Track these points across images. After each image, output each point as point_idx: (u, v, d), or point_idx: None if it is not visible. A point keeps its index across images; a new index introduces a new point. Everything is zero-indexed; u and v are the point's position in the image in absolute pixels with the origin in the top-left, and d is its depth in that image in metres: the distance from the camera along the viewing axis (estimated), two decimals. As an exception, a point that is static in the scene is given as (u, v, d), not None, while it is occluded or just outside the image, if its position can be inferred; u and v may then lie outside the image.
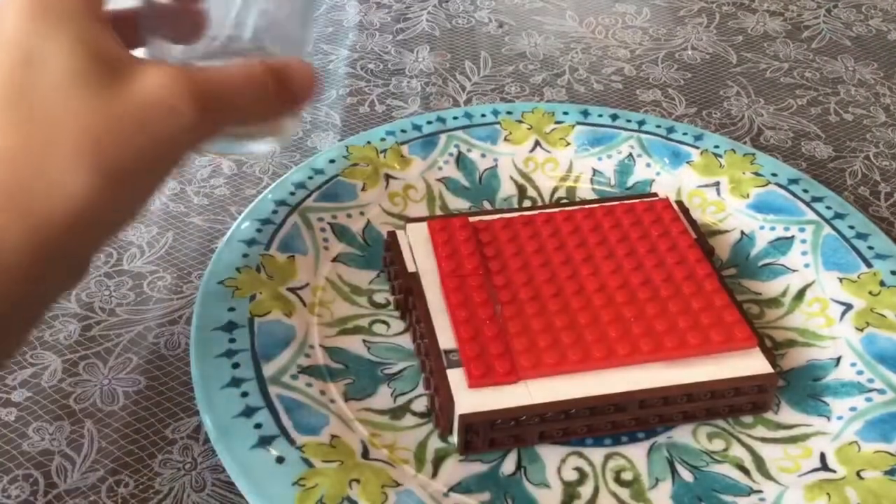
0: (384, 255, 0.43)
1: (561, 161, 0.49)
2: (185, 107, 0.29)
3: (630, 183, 0.48)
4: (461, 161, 0.48)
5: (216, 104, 0.30)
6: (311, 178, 0.45)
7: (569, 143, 0.49)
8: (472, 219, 0.42)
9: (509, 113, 0.51)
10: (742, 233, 0.45)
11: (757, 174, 0.47)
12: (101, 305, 0.42)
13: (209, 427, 0.34)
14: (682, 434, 0.36)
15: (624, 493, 0.34)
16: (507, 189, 0.48)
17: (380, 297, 0.42)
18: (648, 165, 0.48)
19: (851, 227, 0.43)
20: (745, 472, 0.35)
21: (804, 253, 0.43)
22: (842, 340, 0.39)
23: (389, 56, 0.62)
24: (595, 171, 0.49)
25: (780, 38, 0.65)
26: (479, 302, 0.38)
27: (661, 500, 0.34)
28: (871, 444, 0.35)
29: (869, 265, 0.42)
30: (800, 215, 0.44)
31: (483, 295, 0.38)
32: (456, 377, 0.35)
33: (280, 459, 0.33)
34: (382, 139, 0.48)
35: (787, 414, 0.37)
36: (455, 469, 0.35)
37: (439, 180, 0.48)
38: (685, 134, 0.49)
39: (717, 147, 0.48)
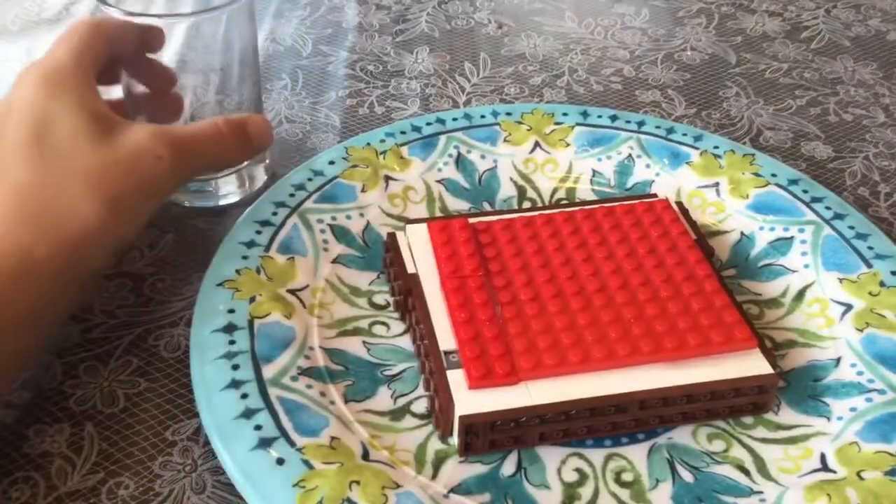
0: (384, 256, 0.43)
1: (561, 162, 0.49)
2: (168, 156, 0.37)
3: (630, 184, 0.48)
4: (461, 162, 0.48)
5: (190, 154, 0.39)
6: (310, 179, 0.45)
7: (568, 144, 0.49)
8: (471, 220, 0.42)
9: (509, 114, 0.51)
10: (742, 233, 0.45)
11: (756, 175, 0.47)
12: (101, 307, 0.42)
13: (209, 429, 0.34)
14: (683, 435, 0.36)
15: (624, 493, 0.34)
16: (506, 190, 0.48)
17: (379, 299, 0.42)
18: (648, 166, 0.48)
19: (851, 228, 0.43)
20: (746, 472, 0.35)
21: (804, 253, 0.43)
22: (842, 341, 0.39)
23: (389, 57, 0.62)
24: (595, 172, 0.49)
25: (779, 39, 0.65)
26: (478, 303, 0.38)
27: (661, 500, 0.34)
28: (872, 444, 0.35)
29: (869, 265, 0.42)
30: (799, 216, 0.44)
31: (483, 296, 0.38)
32: (456, 378, 0.35)
33: (280, 461, 0.33)
34: (382, 140, 0.48)
35: (787, 415, 0.37)
36: (455, 470, 0.35)
37: (439, 181, 0.48)
38: (685, 135, 0.49)
39: (716, 148, 0.48)
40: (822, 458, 0.35)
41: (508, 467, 0.35)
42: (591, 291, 0.38)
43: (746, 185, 0.46)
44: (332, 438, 0.34)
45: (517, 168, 0.49)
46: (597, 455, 0.36)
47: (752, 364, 0.36)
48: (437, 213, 0.46)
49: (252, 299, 0.39)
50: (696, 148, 0.48)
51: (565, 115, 0.51)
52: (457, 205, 0.47)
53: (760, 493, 0.34)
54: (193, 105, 0.46)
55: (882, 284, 0.41)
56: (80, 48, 0.39)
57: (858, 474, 0.34)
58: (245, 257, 0.41)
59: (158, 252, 0.45)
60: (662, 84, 0.60)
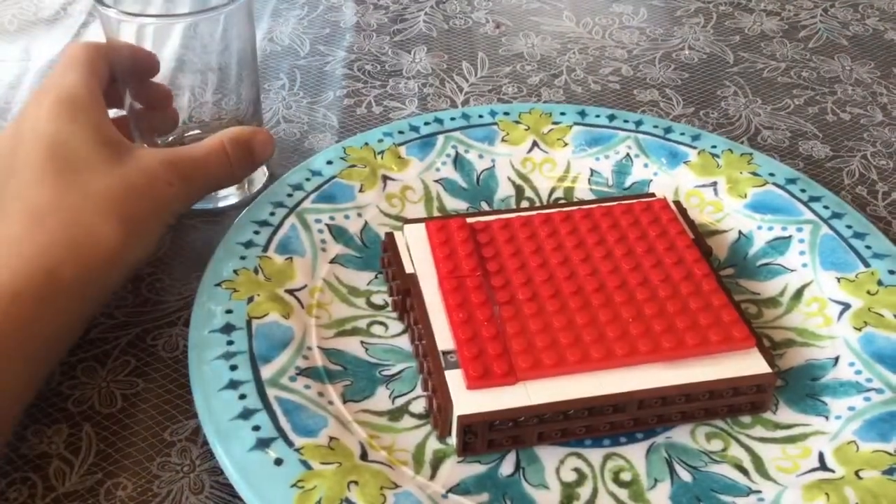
0: (382, 256, 0.43)
1: (558, 161, 0.49)
2: (178, 183, 0.39)
3: (628, 183, 0.48)
4: (459, 162, 0.48)
5: (198, 178, 0.41)
6: (308, 179, 0.45)
7: (566, 144, 0.49)
8: (469, 220, 0.42)
9: (507, 114, 0.51)
10: (740, 232, 0.45)
11: (754, 174, 0.47)
12: (98, 308, 0.42)
13: (207, 429, 0.34)
14: (681, 434, 0.36)
15: (623, 493, 0.34)
16: (504, 190, 0.48)
17: (378, 299, 0.42)
18: (646, 165, 0.48)
19: (849, 227, 0.43)
20: (744, 472, 0.35)
21: (802, 252, 0.43)
22: (840, 340, 0.39)
23: (387, 57, 0.62)
24: (593, 172, 0.49)
25: (777, 38, 0.65)
26: (477, 303, 0.38)
27: (659, 500, 0.34)
28: (870, 443, 0.35)
29: (867, 264, 0.42)
30: (797, 215, 0.44)
31: (481, 296, 0.38)
32: (454, 378, 0.35)
33: (278, 461, 0.33)
34: (380, 140, 0.48)
35: (785, 414, 0.37)
36: (453, 470, 0.35)
37: (437, 181, 0.48)
38: (682, 134, 0.49)
39: (714, 147, 0.48)
40: (821, 457, 0.35)
41: (507, 467, 0.35)
42: (589, 291, 0.38)
43: (744, 185, 0.46)
44: (331, 438, 0.34)
45: (515, 168, 0.49)
46: (595, 455, 0.36)
47: (751, 363, 0.36)
48: (435, 213, 0.46)
49: (250, 299, 0.39)
50: (694, 147, 0.48)
51: (563, 114, 0.51)
52: (455, 204, 0.47)
53: (759, 492, 0.34)
54: (191, 105, 0.46)
55: (880, 283, 0.41)
56: (88, 74, 0.40)
57: (857, 473, 0.34)
58: (243, 257, 0.41)
59: (156, 252, 0.45)
60: (660, 83, 0.60)
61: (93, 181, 0.37)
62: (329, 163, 0.46)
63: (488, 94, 0.58)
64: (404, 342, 0.40)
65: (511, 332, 0.37)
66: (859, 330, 0.39)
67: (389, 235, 0.42)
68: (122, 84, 0.44)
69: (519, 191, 0.48)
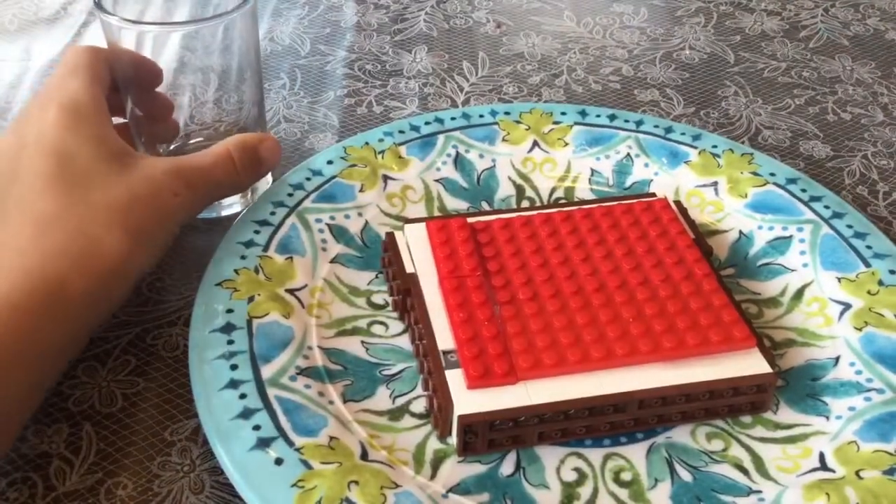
0: (382, 256, 0.43)
1: (559, 161, 0.49)
2: (184, 192, 0.39)
3: (628, 183, 0.48)
4: (459, 162, 0.48)
5: (204, 187, 0.40)
6: (308, 179, 0.45)
7: (567, 144, 0.49)
8: (470, 219, 0.42)
9: (507, 113, 0.51)
10: (740, 232, 0.45)
11: (755, 174, 0.47)
12: (99, 307, 0.42)
13: (207, 429, 0.34)
14: (681, 434, 0.36)
15: (623, 493, 0.34)
16: (505, 189, 0.48)
17: (378, 298, 0.42)
18: (646, 165, 0.48)
19: (850, 227, 0.43)
20: (744, 472, 0.35)
21: (802, 252, 0.43)
22: (840, 340, 0.39)
23: (387, 57, 0.62)
24: (593, 172, 0.49)
25: (777, 38, 0.65)
26: (477, 303, 0.38)
27: (660, 500, 0.34)
28: (870, 443, 0.35)
29: (867, 264, 0.42)
30: (798, 215, 0.44)
31: (481, 296, 0.38)
32: (454, 378, 0.35)
33: (279, 461, 0.33)
34: (380, 140, 0.48)
35: (785, 414, 0.37)
36: (454, 470, 0.35)
37: (437, 181, 0.48)
38: (683, 134, 0.49)
39: (715, 147, 0.48)
40: (821, 457, 0.35)
41: (507, 467, 0.35)
42: (589, 291, 0.38)
43: (745, 184, 0.46)
44: (331, 438, 0.34)
45: (515, 167, 0.49)
46: (595, 454, 0.36)
47: (751, 363, 0.36)
48: (436, 213, 0.46)
49: (251, 299, 0.39)
50: (695, 147, 0.48)
51: (564, 114, 0.51)
52: (455, 204, 0.47)
53: (759, 492, 0.34)
54: (192, 105, 0.46)
55: (881, 283, 0.41)
56: (91, 80, 0.40)
57: (857, 473, 0.34)
58: (244, 257, 0.41)
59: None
60: (661, 83, 0.60)
61: (98, 191, 0.36)
62: (329, 162, 0.46)
63: (489, 94, 0.58)
64: (405, 342, 0.40)
65: (511, 331, 0.37)
66: (860, 330, 0.39)
67: (390, 235, 0.42)
68: (123, 92, 0.44)
69: (519, 190, 0.48)
